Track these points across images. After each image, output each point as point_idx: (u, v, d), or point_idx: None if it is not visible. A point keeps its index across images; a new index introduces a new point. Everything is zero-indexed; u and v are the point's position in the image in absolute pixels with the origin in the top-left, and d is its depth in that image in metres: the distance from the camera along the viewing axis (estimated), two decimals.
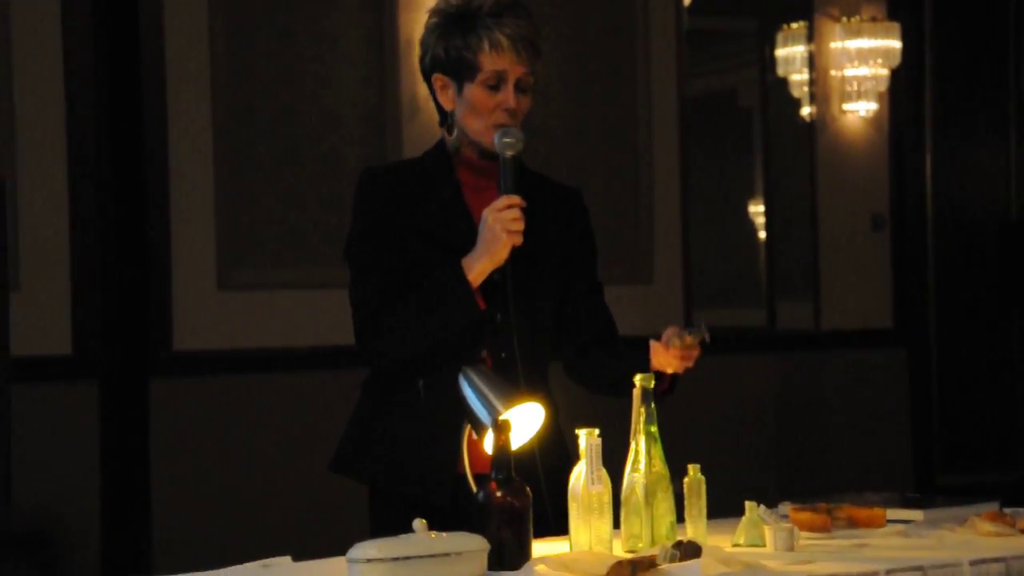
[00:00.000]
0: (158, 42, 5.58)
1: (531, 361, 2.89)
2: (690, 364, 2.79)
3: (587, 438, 2.59)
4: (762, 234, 7.06)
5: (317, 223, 5.84)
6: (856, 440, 7.07)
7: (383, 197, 2.92)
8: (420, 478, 2.89)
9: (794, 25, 7.07)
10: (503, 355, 2.86)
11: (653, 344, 2.80)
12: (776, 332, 7.01)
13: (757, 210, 7.08)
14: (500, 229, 2.80)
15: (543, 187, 3.00)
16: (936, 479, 7.29)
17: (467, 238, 2.86)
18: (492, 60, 2.86)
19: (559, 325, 3.01)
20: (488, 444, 2.61)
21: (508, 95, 2.87)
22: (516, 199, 2.82)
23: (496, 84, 2.87)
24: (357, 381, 3.04)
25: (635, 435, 2.64)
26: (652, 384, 2.65)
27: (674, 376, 2.84)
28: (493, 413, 2.61)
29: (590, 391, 3.05)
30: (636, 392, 2.66)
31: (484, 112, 2.88)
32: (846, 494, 3.08)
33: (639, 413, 2.64)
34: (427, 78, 2.97)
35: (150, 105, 5.58)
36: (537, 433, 2.76)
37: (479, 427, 2.65)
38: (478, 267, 2.83)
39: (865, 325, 7.14)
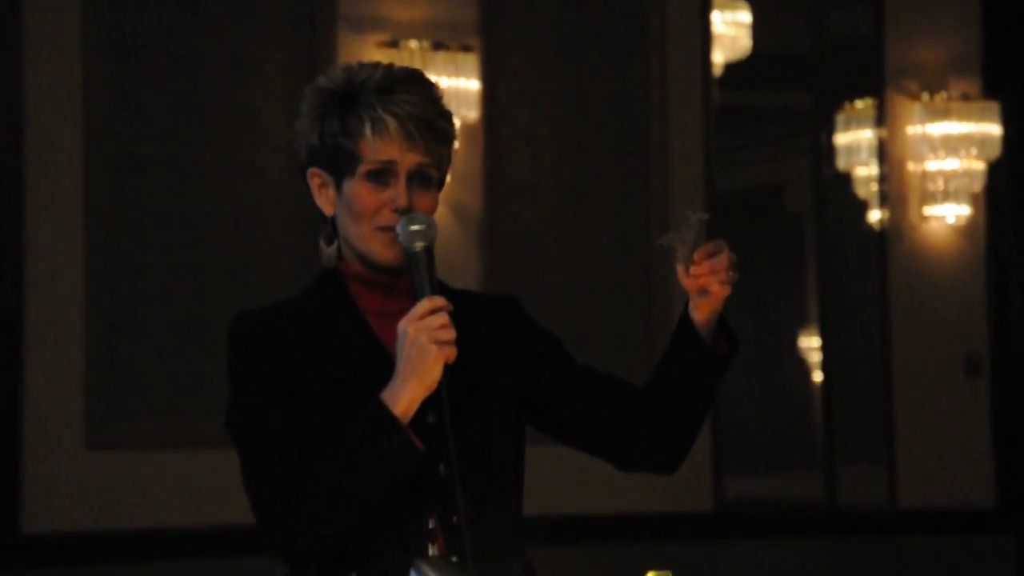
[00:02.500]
0: (18, 187, 5.69)
1: (490, 525, 2.62)
2: (727, 269, 2.55)
3: None
4: (817, 376, 6.81)
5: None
6: None
7: (266, 345, 2.65)
8: None
9: (859, 103, 6.80)
10: (454, 519, 2.62)
11: (686, 287, 2.61)
12: (838, 508, 6.72)
13: (811, 345, 6.87)
14: (426, 340, 2.55)
15: (473, 303, 2.77)
16: None
17: (384, 376, 2.59)
18: (375, 148, 2.64)
19: (579, 418, 2.78)
20: None
21: (399, 191, 2.64)
22: (439, 300, 2.58)
23: (382, 178, 2.64)
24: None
25: None
26: None
27: (732, 342, 2.66)
28: None
29: (676, 437, 2.73)
30: None
31: (367, 213, 2.65)
32: None
33: None
34: (303, 174, 2.75)
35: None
36: None
37: None
38: (405, 395, 2.55)
39: (957, 503, 6.83)
